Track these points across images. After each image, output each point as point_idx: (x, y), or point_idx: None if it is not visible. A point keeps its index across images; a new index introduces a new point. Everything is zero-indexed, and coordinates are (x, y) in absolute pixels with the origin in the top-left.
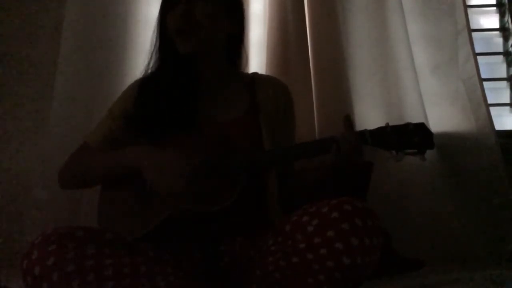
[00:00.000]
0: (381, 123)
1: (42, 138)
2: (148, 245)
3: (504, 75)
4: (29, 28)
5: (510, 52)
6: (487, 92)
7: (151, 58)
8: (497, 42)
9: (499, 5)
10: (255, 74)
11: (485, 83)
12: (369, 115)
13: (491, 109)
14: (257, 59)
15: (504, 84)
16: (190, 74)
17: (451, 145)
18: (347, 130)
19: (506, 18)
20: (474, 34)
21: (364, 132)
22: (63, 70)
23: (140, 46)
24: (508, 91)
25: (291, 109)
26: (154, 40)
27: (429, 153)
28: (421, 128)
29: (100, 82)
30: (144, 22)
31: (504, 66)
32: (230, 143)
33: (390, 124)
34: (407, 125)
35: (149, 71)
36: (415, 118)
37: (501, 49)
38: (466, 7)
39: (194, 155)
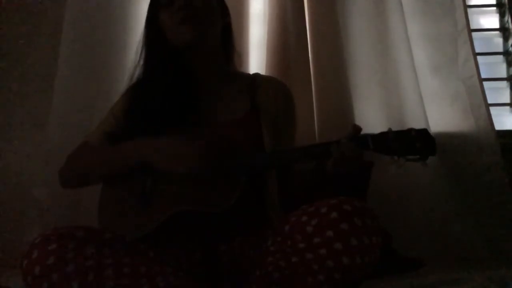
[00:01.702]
0: (381, 123)
1: (42, 138)
2: (148, 245)
3: (504, 75)
4: (29, 28)
5: (510, 52)
6: (487, 92)
7: (139, 61)
8: (497, 42)
9: (499, 5)
10: (255, 74)
11: (485, 83)
12: (369, 115)
13: (491, 109)
14: (257, 59)
15: (504, 84)
16: (188, 72)
17: (451, 145)
18: (351, 137)
19: (506, 18)
20: (474, 34)
21: (366, 137)
22: (63, 70)
23: None
24: (508, 91)
25: (292, 109)
26: (143, 41)
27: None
28: (424, 134)
29: (100, 82)
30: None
31: (504, 66)
32: (231, 143)
33: (391, 126)
34: (410, 131)
35: (137, 73)
36: (415, 118)
37: (501, 49)
38: (466, 7)
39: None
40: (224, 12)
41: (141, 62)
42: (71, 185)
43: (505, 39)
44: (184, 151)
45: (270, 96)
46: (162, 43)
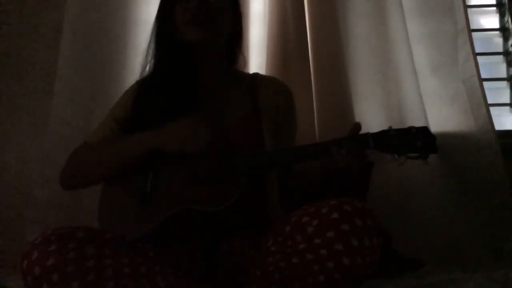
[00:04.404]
0: (381, 123)
1: (42, 138)
2: (148, 245)
3: (504, 75)
4: (29, 28)
5: (510, 52)
6: (487, 92)
7: (147, 56)
8: (497, 42)
9: (499, 5)
10: (256, 74)
11: (485, 83)
12: (369, 115)
13: (491, 109)
14: (257, 59)
15: (504, 84)
16: (191, 71)
17: (451, 145)
18: (351, 136)
19: (506, 18)
20: (474, 34)
21: (366, 136)
22: (63, 70)
23: (140, 46)
24: (508, 91)
25: (292, 109)
26: (152, 37)
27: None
28: (424, 132)
29: (100, 82)
30: (144, 22)
31: (504, 66)
32: (232, 143)
33: (392, 126)
34: (410, 129)
35: (147, 69)
36: (415, 118)
37: (501, 49)
38: (466, 7)
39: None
40: (237, 19)
41: (149, 59)
42: (73, 186)
43: (505, 39)
44: (191, 130)
45: (270, 96)
46: (172, 37)
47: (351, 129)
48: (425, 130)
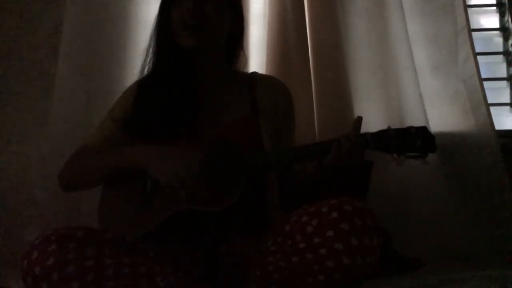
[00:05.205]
0: (381, 123)
1: (42, 138)
2: (148, 245)
3: (504, 75)
4: (29, 28)
5: (510, 51)
6: (487, 92)
7: (147, 56)
8: (497, 42)
9: (499, 5)
10: (255, 73)
11: (485, 83)
12: (369, 115)
13: (491, 109)
14: (257, 59)
15: (504, 84)
16: (190, 73)
17: (451, 145)
18: (352, 131)
19: (506, 18)
20: (474, 34)
21: (366, 135)
22: (63, 70)
23: (140, 46)
24: (508, 91)
25: (291, 109)
26: (152, 37)
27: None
28: (424, 132)
29: (100, 82)
30: (144, 22)
31: (504, 66)
32: (231, 144)
33: (392, 126)
34: (409, 129)
35: (146, 69)
36: (415, 118)
37: (501, 49)
38: (466, 6)
39: (197, 154)
40: (237, 19)
41: (148, 60)
42: (71, 189)
43: (505, 39)
44: (183, 166)
45: (270, 96)
46: (170, 39)
47: (354, 123)
48: (424, 129)
